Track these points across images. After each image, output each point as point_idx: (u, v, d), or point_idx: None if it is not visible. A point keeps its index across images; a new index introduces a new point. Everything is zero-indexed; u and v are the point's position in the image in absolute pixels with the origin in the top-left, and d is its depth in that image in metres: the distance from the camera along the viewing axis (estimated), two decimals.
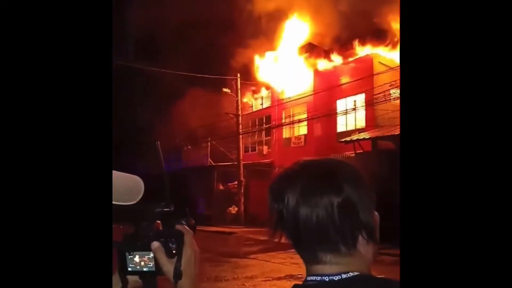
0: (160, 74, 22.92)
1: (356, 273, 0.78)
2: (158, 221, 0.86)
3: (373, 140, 14.69)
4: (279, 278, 8.38)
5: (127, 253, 0.85)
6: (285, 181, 0.83)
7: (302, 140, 21.82)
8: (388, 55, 19.33)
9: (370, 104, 17.16)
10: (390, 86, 15.35)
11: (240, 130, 22.37)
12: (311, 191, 0.79)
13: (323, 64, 21.78)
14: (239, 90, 22.42)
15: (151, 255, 0.84)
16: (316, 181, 0.80)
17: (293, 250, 0.84)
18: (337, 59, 21.31)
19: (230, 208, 21.97)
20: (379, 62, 18.57)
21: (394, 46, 19.41)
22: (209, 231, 17.11)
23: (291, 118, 22.06)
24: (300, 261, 0.84)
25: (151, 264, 0.84)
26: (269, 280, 8.28)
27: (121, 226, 0.89)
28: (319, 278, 0.79)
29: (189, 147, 26.45)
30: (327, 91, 19.34)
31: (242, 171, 21.75)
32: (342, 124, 19.78)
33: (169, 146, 22.76)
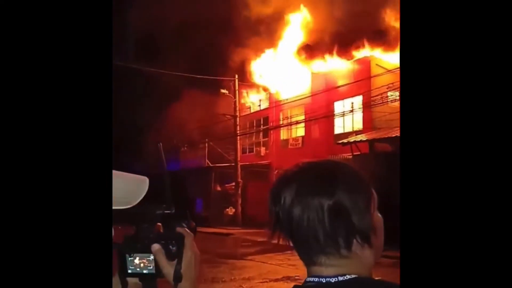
0: (159, 74, 22.91)
1: (353, 276, 0.78)
2: (159, 223, 0.86)
3: (370, 142, 14.69)
4: (276, 280, 8.38)
5: (127, 255, 0.84)
6: (283, 182, 0.83)
7: (300, 141, 21.83)
8: (386, 58, 19.37)
9: (367, 106, 17.19)
10: (387, 88, 15.40)
11: (238, 131, 22.37)
12: (305, 192, 0.79)
13: (320, 66, 21.82)
14: (237, 91, 22.43)
15: (151, 257, 0.83)
16: (311, 182, 0.80)
17: (290, 251, 0.84)
18: (334, 61, 21.35)
19: (228, 209, 21.95)
20: (377, 65, 18.58)
21: (392, 48, 19.46)
22: (206, 232, 17.08)
23: (289, 119, 22.08)
24: (298, 262, 0.84)
25: (151, 266, 0.84)
26: (266, 282, 8.27)
27: (119, 227, 0.88)
28: (317, 279, 0.80)
29: (186, 148, 26.41)
30: (325, 93, 19.36)
31: (239, 172, 21.75)
32: (340, 126, 19.79)
33: (167, 146, 22.70)
